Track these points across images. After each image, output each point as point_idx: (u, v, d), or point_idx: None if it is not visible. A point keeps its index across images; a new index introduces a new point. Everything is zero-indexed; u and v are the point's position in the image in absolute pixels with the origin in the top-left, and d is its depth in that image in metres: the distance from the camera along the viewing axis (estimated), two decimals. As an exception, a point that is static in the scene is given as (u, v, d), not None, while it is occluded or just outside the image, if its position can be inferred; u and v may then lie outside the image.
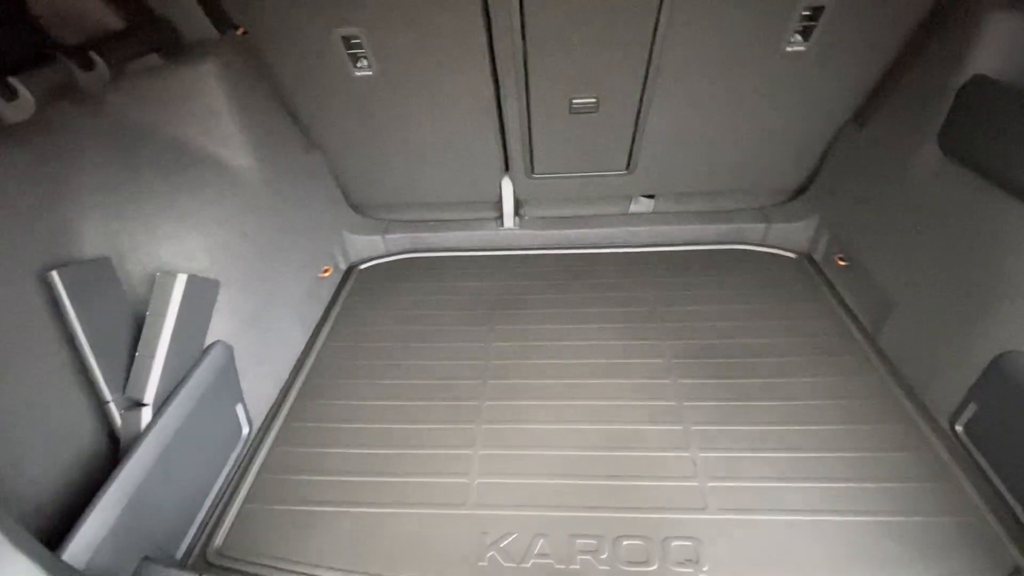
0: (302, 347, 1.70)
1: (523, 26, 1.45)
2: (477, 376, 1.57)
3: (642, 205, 2.17)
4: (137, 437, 1.08)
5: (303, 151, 1.82)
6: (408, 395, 1.51)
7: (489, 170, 2.00)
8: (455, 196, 2.15)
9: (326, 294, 1.95)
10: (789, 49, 1.49)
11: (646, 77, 1.59)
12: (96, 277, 1.14)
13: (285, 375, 1.60)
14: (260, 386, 1.49)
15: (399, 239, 2.16)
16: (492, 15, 1.43)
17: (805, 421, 1.35)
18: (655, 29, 1.45)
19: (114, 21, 1.22)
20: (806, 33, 1.46)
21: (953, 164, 1.32)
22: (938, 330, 1.33)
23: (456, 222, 2.21)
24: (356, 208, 2.20)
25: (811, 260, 1.95)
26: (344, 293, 1.99)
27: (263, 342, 1.51)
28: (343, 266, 2.11)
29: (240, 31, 1.49)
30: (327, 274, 1.96)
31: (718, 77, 1.59)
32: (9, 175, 1.02)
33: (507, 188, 2.09)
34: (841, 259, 1.79)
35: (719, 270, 1.93)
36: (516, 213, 2.17)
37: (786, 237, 2.00)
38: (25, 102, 0.91)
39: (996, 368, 1.16)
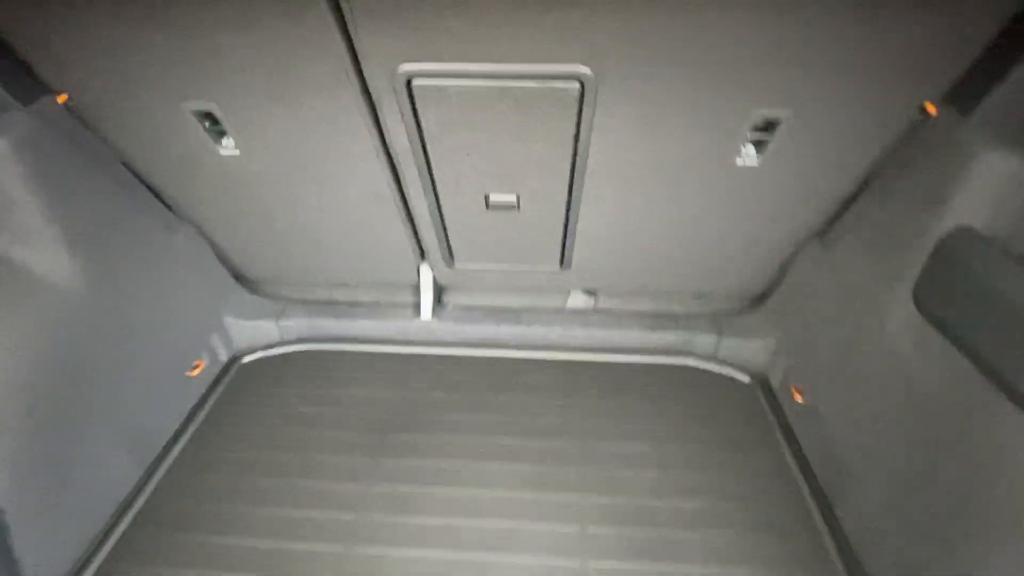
0: (131, 484, 1.36)
1: (415, 115, 1.17)
2: (339, 539, 1.24)
3: (580, 301, 1.89)
4: None
5: (164, 229, 1.50)
6: (264, 533, 1.19)
7: (403, 256, 1.71)
8: (366, 278, 1.85)
9: (191, 397, 1.61)
10: (739, 161, 1.23)
11: (572, 178, 1.32)
12: None
13: (97, 528, 1.25)
14: (53, 551, 1.14)
15: (295, 326, 1.84)
16: (376, 99, 1.15)
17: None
18: (577, 129, 1.18)
19: None
20: (760, 147, 1.20)
21: (929, 326, 1.06)
22: (910, 531, 1.05)
23: (367, 306, 1.90)
24: (245, 283, 1.88)
25: (766, 386, 1.68)
26: (215, 395, 1.65)
27: (64, 492, 1.16)
28: (223, 358, 1.78)
29: (62, 99, 1.18)
30: (197, 371, 1.63)
31: (656, 183, 1.33)
32: None
33: (426, 275, 1.79)
34: (798, 392, 1.52)
35: (661, 394, 1.64)
36: (437, 301, 1.87)
37: (739, 354, 1.73)
38: None
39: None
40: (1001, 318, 0.87)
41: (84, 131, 1.26)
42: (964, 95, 1.03)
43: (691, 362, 1.76)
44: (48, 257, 1.17)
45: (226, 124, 1.23)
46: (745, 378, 1.71)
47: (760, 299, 1.77)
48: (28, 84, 1.14)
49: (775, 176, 1.27)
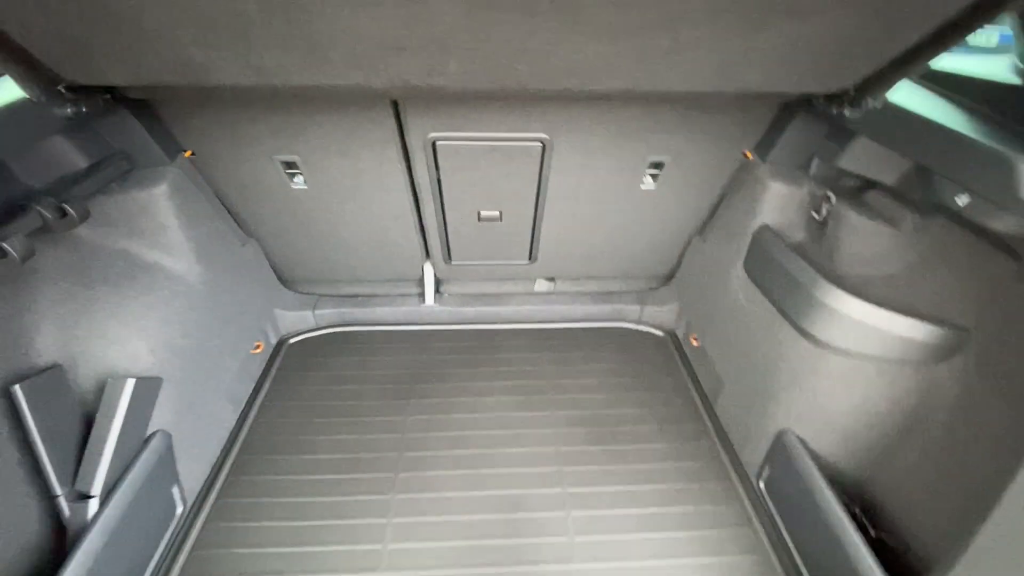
0: (232, 425, 1.88)
1: (436, 162, 1.79)
2: (393, 448, 1.83)
3: (543, 286, 2.56)
4: (84, 527, 1.25)
5: (240, 243, 2.03)
6: (329, 469, 1.74)
7: (412, 256, 2.30)
8: (381, 275, 2.42)
9: (256, 370, 2.13)
10: (643, 187, 1.94)
11: (537, 200, 1.98)
12: (50, 385, 1.30)
13: (216, 453, 1.78)
14: (194, 466, 1.66)
15: (327, 314, 2.39)
16: (409, 152, 1.76)
17: (653, 480, 1.73)
18: (540, 170, 1.84)
19: (78, 159, 1.42)
20: (655, 178, 1.91)
21: (752, 284, 1.79)
22: (749, 406, 1.77)
23: (382, 297, 2.47)
24: (288, 284, 2.41)
25: (675, 337, 2.41)
26: (274, 368, 2.18)
27: (197, 426, 1.69)
28: (273, 340, 2.31)
29: (188, 154, 1.71)
30: (258, 350, 2.16)
31: (595, 202, 2.01)
32: None
33: (428, 271, 2.40)
34: (695, 339, 2.25)
35: (603, 348, 2.33)
36: (437, 291, 2.47)
37: (656, 318, 2.45)
38: (11, 262, 1.10)
39: (778, 440, 1.60)
40: (780, 276, 1.60)
41: (198, 174, 1.79)
42: (762, 147, 1.77)
43: (623, 325, 2.47)
44: (183, 264, 1.70)
45: (301, 168, 1.80)
46: (660, 333, 2.43)
47: (668, 278, 2.50)
48: (172, 145, 1.67)
49: (665, 196, 1.98)
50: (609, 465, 1.78)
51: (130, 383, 1.38)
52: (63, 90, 1.19)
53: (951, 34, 1.04)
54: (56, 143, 1.39)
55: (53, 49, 1.01)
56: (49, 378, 1.30)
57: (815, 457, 1.48)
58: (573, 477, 1.74)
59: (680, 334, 2.39)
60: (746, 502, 1.67)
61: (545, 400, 2.04)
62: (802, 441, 1.53)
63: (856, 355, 1.41)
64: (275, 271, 2.32)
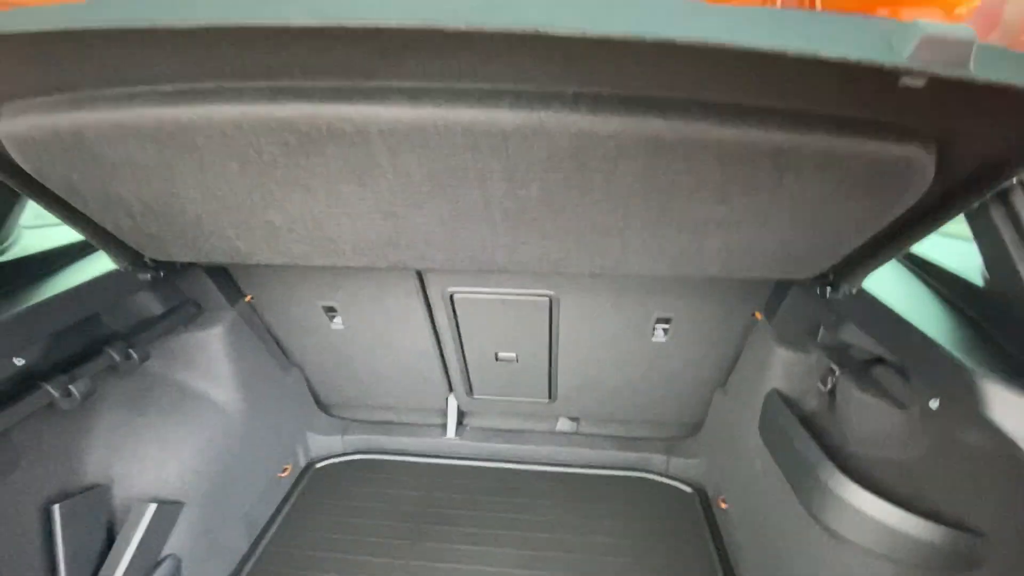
0: (244, 551, 1.96)
1: (454, 310, 1.96)
2: None
3: (565, 425, 2.53)
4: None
5: (283, 371, 2.26)
6: None
7: (437, 389, 2.41)
8: (410, 404, 2.54)
9: (280, 493, 2.24)
10: (654, 339, 1.97)
11: (551, 345, 2.07)
12: (87, 506, 1.48)
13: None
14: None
15: (356, 440, 2.51)
16: (431, 301, 1.95)
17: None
18: (550, 322, 1.94)
19: (156, 306, 1.73)
20: (665, 332, 1.94)
21: (767, 452, 1.68)
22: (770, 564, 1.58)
23: (409, 426, 2.57)
24: (324, 408, 2.59)
25: (703, 495, 2.24)
26: (296, 493, 2.28)
27: (210, 551, 1.78)
28: (303, 463, 2.43)
29: (248, 298, 2.02)
30: (286, 473, 2.28)
31: (608, 350, 2.06)
32: (40, 423, 1.42)
33: (452, 403, 2.49)
34: (723, 501, 2.08)
35: (625, 499, 2.21)
36: (460, 422, 2.53)
37: (684, 471, 2.31)
38: (74, 400, 1.34)
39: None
40: (789, 451, 1.51)
41: (254, 315, 2.08)
42: (770, 309, 1.77)
43: (649, 476, 2.34)
44: (227, 392, 1.92)
45: (340, 312, 2.04)
46: (688, 490, 2.27)
47: (696, 428, 2.39)
48: (235, 292, 1.98)
49: (679, 348, 1.99)
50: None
51: (151, 508, 1.52)
52: (147, 260, 1.51)
53: (906, 237, 1.07)
54: (140, 295, 1.71)
55: (137, 239, 1.32)
56: (87, 499, 1.48)
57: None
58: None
59: (710, 493, 2.22)
60: None
61: (558, 561, 1.94)
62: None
63: (872, 553, 1.25)
64: (313, 395, 2.52)
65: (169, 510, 1.61)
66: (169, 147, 0.95)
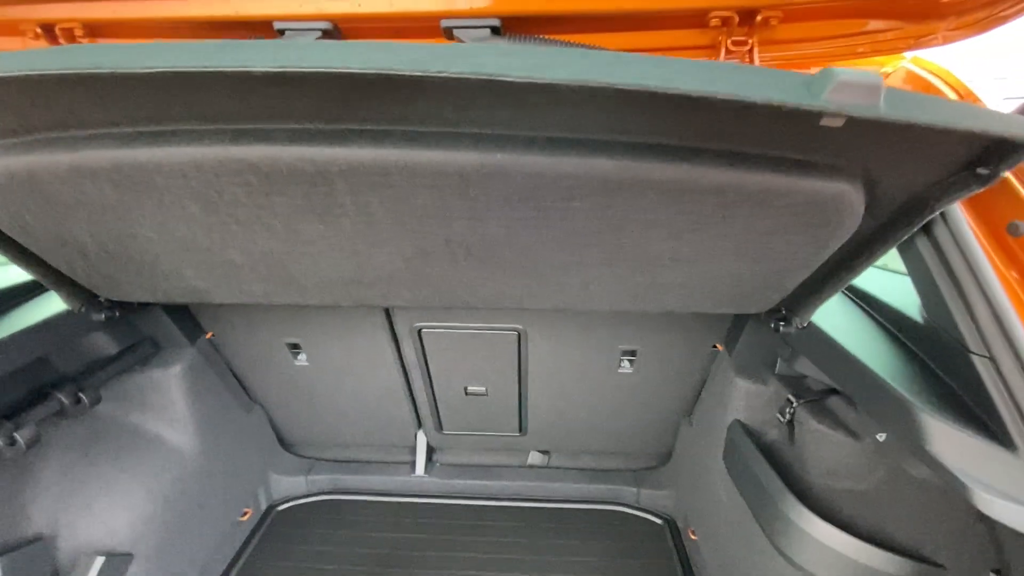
0: None
1: (422, 345, 1.95)
2: None
3: (536, 459, 2.51)
4: None
5: (244, 410, 2.19)
6: None
7: (405, 425, 2.37)
8: (376, 441, 2.48)
9: (239, 538, 2.14)
10: (620, 371, 1.99)
11: (519, 379, 2.07)
12: (28, 560, 1.38)
13: None
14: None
15: (320, 480, 2.42)
16: (398, 337, 1.94)
17: None
18: (519, 352, 1.95)
19: (110, 345, 1.67)
20: (631, 363, 1.97)
21: (729, 479, 1.71)
22: None
23: (376, 464, 2.50)
24: (287, 446, 2.50)
25: (674, 526, 2.24)
26: (256, 537, 2.18)
27: None
28: (264, 505, 2.33)
29: (208, 335, 1.97)
30: (246, 517, 2.18)
31: (576, 382, 2.07)
32: None
33: (421, 439, 2.44)
34: (692, 533, 2.08)
35: (597, 533, 2.19)
36: (429, 459, 2.48)
37: (654, 502, 2.32)
38: (18, 448, 1.27)
39: None
40: (751, 482, 1.54)
41: (214, 352, 2.02)
42: (729, 341, 1.83)
43: (620, 508, 2.33)
44: (184, 435, 1.85)
45: (304, 348, 2.00)
46: (659, 521, 2.27)
47: (665, 457, 2.41)
48: (194, 329, 1.93)
49: (645, 379, 2.02)
50: None
51: (98, 561, 1.44)
52: (102, 300, 1.46)
53: (847, 270, 1.13)
54: (92, 335, 1.65)
55: (91, 279, 1.28)
56: (28, 553, 1.38)
57: None
58: None
59: (679, 523, 2.23)
60: None
61: (524, 598, 1.90)
62: None
63: (833, 585, 1.28)
64: (276, 433, 2.44)
65: (117, 562, 1.51)
66: (127, 188, 0.94)
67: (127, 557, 1.56)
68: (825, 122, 0.67)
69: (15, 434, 1.27)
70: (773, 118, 0.77)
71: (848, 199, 0.91)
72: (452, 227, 1.02)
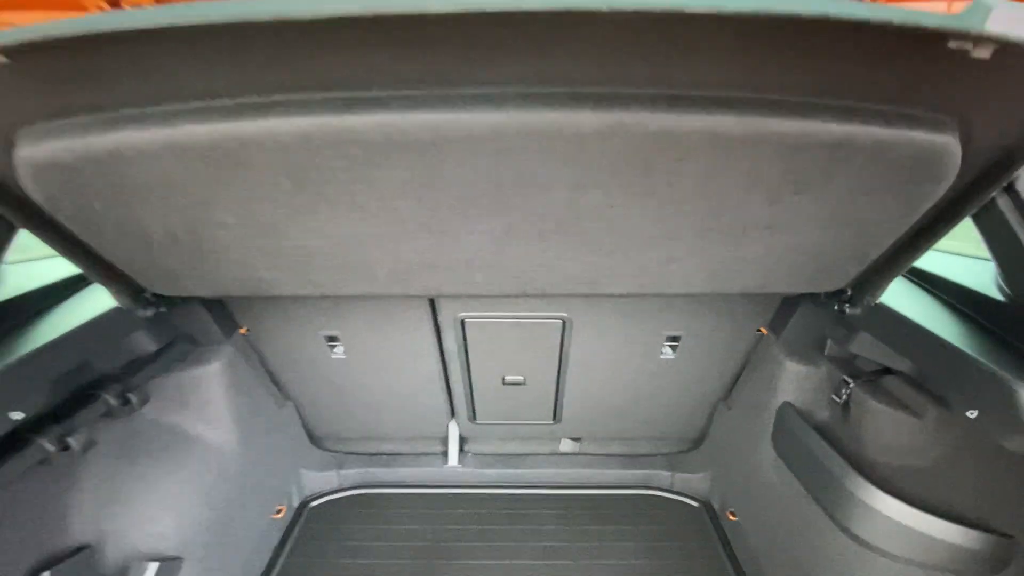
0: None
1: (464, 335, 1.92)
2: None
3: (568, 446, 2.52)
4: None
5: (277, 406, 2.14)
6: None
7: (438, 415, 2.34)
8: (407, 433, 2.45)
9: (276, 536, 2.10)
10: (662, 356, 2.00)
11: (559, 367, 2.06)
12: (76, 570, 1.32)
13: None
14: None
15: (352, 474, 2.39)
16: (440, 328, 1.90)
17: None
18: (562, 341, 1.94)
19: (149, 343, 1.60)
20: (673, 348, 1.98)
21: (783, 464, 1.73)
22: None
23: (407, 456, 2.47)
24: (316, 441, 2.46)
25: (710, 508, 2.27)
26: (292, 536, 2.14)
27: None
28: (296, 503, 2.29)
29: (243, 331, 1.90)
30: (280, 515, 2.14)
31: (616, 369, 2.07)
32: (24, 481, 1.27)
33: (453, 429, 2.42)
34: (731, 514, 2.11)
35: (633, 518, 2.21)
36: (461, 449, 2.46)
37: (689, 485, 2.34)
38: (72, 453, 1.21)
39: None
40: (809, 461, 1.56)
41: (248, 347, 1.96)
42: (776, 325, 1.84)
43: (654, 492, 2.36)
44: (221, 433, 1.79)
45: (342, 341, 1.96)
46: (695, 504, 2.30)
47: (698, 442, 2.43)
48: (230, 325, 1.86)
49: (686, 365, 2.03)
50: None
51: (151, 568, 1.39)
52: (148, 296, 1.40)
53: (925, 239, 1.14)
54: (136, 336, 1.58)
55: (146, 272, 1.22)
56: (76, 563, 1.33)
57: None
58: None
59: (716, 506, 2.26)
60: None
61: (570, 584, 1.90)
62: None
63: (901, 559, 1.31)
64: (306, 429, 2.39)
65: (169, 568, 1.47)
66: (222, 166, 0.89)
67: (177, 562, 1.51)
68: (976, 53, 0.66)
69: (68, 439, 1.21)
70: (895, 63, 0.78)
71: (951, 151, 0.92)
72: (551, 196, 1.00)
